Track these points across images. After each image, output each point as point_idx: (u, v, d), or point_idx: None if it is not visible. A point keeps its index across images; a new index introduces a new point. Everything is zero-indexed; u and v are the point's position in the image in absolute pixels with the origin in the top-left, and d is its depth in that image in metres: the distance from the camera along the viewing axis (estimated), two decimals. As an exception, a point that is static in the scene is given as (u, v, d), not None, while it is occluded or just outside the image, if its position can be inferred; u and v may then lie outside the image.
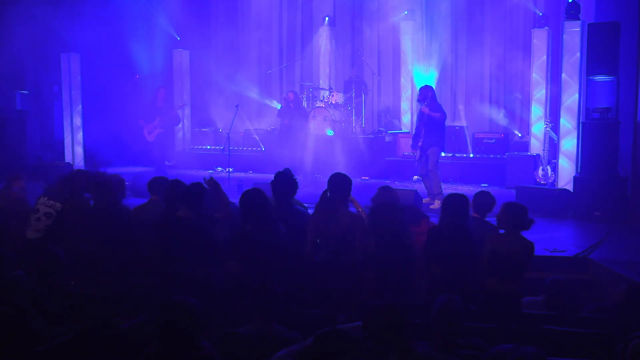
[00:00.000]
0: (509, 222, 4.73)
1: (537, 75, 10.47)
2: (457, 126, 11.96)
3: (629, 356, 3.08)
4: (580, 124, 8.55)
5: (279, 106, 12.46)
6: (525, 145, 11.02)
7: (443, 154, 9.41)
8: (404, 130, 12.37)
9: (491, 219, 5.28)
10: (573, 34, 8.87)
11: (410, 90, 12.41)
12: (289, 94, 11.28)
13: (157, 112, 10.69)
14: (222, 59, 13.84)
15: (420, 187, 9.22)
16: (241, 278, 4.56)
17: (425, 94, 8.82)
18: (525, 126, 11.61)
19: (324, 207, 4.86)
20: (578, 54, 8.82)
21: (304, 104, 11.84)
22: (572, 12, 8.92)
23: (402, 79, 12.67)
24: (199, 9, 14.29)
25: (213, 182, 5.26)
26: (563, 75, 8.99)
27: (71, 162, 12.43)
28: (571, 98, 8.90)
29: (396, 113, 13.02)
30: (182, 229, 4.70)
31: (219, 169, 11.96)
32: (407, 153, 11.42)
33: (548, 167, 9.70)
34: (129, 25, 12.26)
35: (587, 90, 8.43)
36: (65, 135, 12.70)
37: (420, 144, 8.85)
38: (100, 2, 12.27)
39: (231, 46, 14.18)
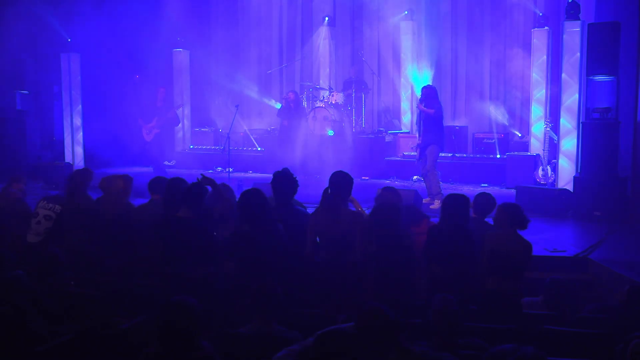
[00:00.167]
0: (506, 222, 4.74)
1: (537, 75, 10.46)
2: (457, 126, 11.97)
3: (629, 356, 3.07)
4: (580, 124, 8.55)
5: (278, 106, 12.47)
6: (525, 145, 11.02)
7: (442, 154, 9.40)
8: (404, 130, 12.37)
9: (490, 220, 5.27)
10: (573, 34, 8.87)
11: (410, 90, 12.40)
12: (289, 94, 11.28)
13: (156, 112, 10.69)
14: (222, 59, 13.84)
15: (420, 187, 9.21)
16: (241, 278, 4.56)
17: (426, 94, 8.83)
18: (525, 126, 11.60)
19: (325, 205, 4.86)
20: (578, 54, 8.82)
21: (304, 103, 11.84)
22: (572, 12, 8.92)
23: (402, 79, 12.65)
24: (199, 9, 14.29)
25: (208, 180, 5.25)
26: (563, 75, 8.99)
27: (71, 162, 12.42)
28: (571, 98, 8.91)
29: (396, 113, 13.01)
30: (182, 229, 4.69)
31: (219, 169, 11.95)
32: (407, 153, 11.43)
33: (548, 167, 9.69)
34: (129, 25, 12.23)
35: (587, 90, 8.44)
36: (65, 135, 12.69)
37: (419, 142, 8.83)
38: (100, 2, 12.27)
39: (231, 46, 14.17)
